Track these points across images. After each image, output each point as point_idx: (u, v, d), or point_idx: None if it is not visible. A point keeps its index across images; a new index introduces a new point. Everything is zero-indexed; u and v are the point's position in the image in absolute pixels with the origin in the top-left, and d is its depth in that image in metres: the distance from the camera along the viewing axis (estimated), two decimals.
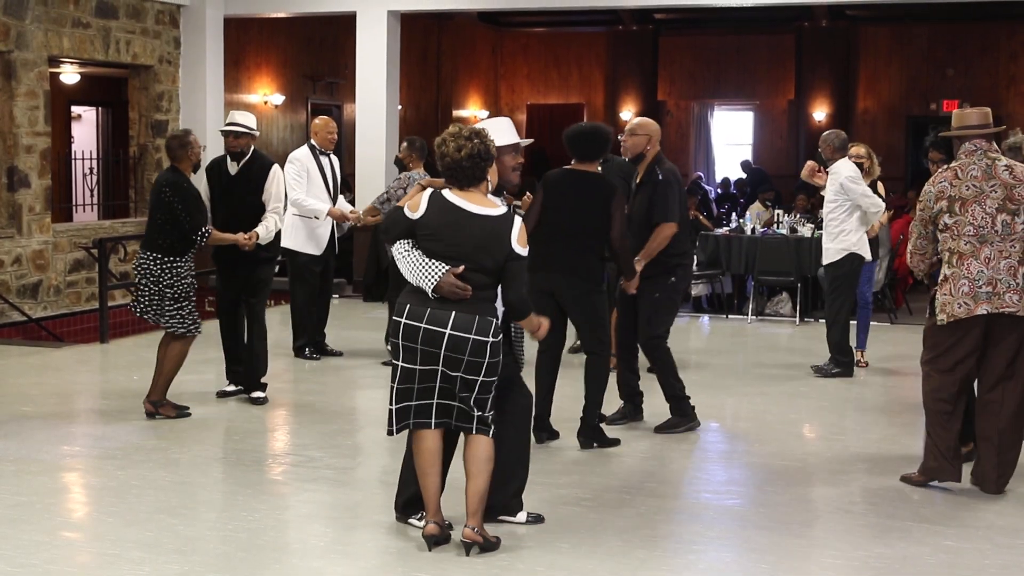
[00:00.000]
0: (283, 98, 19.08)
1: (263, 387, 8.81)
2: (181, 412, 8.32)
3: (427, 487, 5.58)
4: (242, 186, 8.73)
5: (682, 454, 7.64)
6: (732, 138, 26.88)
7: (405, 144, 10.68)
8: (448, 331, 5.35)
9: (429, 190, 5.57)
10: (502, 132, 5.92)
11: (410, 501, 5.90)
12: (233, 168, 8.76)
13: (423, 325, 5.39)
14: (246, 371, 8.86)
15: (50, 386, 9.53)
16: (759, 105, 25.93)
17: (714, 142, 26.82)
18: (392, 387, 5.55)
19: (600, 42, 25.74)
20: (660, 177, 7.88)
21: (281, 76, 19.17)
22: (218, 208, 8.76)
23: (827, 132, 10.36)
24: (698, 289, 14.62)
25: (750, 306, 13.88)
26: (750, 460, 7.60)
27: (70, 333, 13.43)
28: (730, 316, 13.95)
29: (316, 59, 19.96)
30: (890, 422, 8.58)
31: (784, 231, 13.92)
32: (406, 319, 5.43)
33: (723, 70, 25.21)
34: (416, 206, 5.49)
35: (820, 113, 24.76)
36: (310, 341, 10.58)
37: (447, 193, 5.49)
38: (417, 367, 5.45)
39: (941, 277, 6.67)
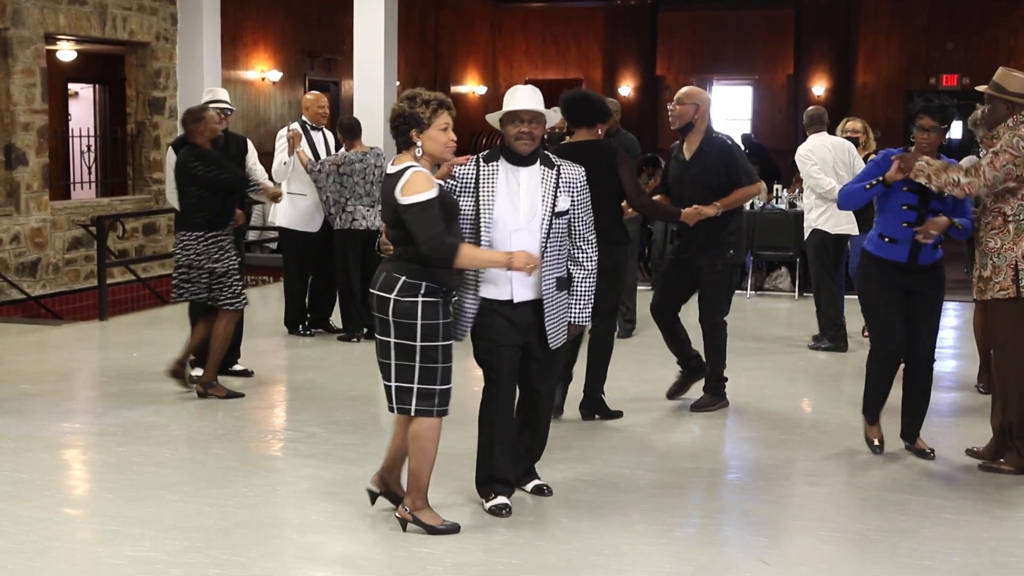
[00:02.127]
0: (281, 75, 19.04)
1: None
2: (231, 394, 8.26)
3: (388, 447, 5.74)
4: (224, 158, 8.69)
5: (681, 428, 7.65)
6: (731, 113, 26.84)
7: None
8: (374, 291, 5.43)
9: None
10: (510, 100, 5.88)
11: (483, 479, 5.92)
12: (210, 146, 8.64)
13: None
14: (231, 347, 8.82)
15: (49, 364, 9.54)
16: (758, 80, 25.89)
17: (713, 117, 26.77)
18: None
19: (598, 17, 25.68)
20: (729, 142, 7.94)
21: (279, 53, 19.13)
22: None
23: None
24: None
25: (749, 281, 13.86)
26: (749, 434, 7.61)
27: (69, 311, 13.44)
28: None
29: (314, 35, 19.91)
30: (890, 397, 8.57)
31: (783, 206, 13.90)
32: None
33: (722, 45, 25.17)
34: None
35: (819, 88, 24.72)
36: (303, 318, 10.58)
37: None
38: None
39: None
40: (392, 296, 5.32)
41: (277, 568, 5.15)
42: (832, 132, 10.54)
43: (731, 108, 26.94)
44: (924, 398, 6.99)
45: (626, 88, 25.07)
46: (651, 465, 6.74)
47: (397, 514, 5.56)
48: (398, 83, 15.77)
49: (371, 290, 5.42)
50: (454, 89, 24.37)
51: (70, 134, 17.24)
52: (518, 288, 5.67)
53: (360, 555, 5.36)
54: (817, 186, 10.05)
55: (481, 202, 5.71)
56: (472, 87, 25.02)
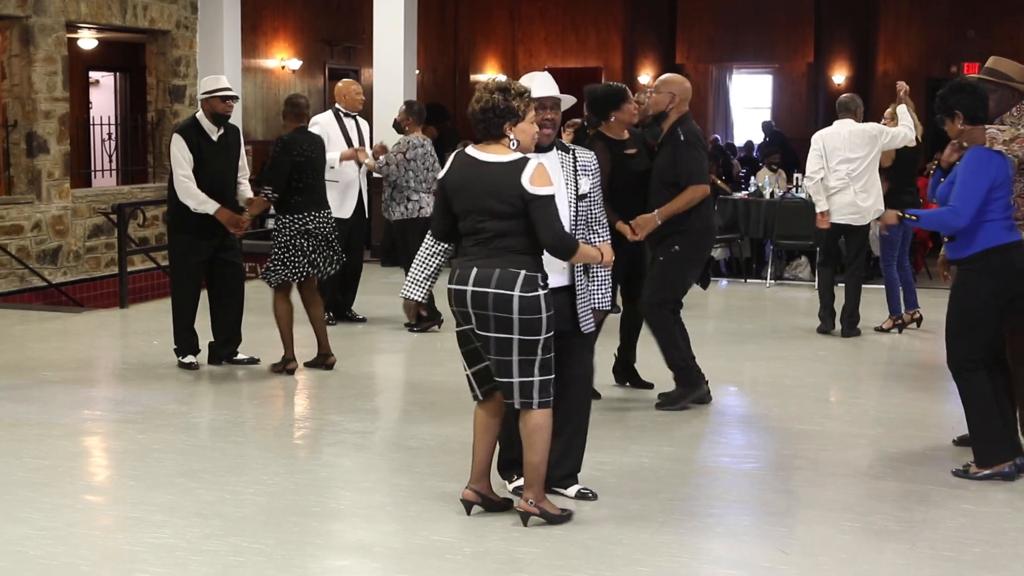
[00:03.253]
0: (300, 63, 19.05)
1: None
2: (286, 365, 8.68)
3: (473, 453, 5.59)
4: (224, 153, 8.70)
5: (700, 418, 7.64)
6: (751, 102, 26.76)
7: (403, 107, 10.66)
8: (469, 288, 5.34)
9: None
10: (530, 87, 5.83)
11: (506, 464, 5.94)
12: (214, 134, 8.65)
13: (451, 286, 5.41)
14: (227, 338, 8.90)
15: (71, 351, 9.58)
16: (778, 68, 25.80)
17: (733, 106, 26.70)
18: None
19: (618, 5, 25.60)
20: (681, 138, 7.57)
21: (298, 41, 19.13)
22: (200, 176, 8.54)
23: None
24: (717, 253, 14.58)
25: (768, 270, 13.85)
26: (768, 424, 7.60)
27: (90, 298, 13.49)
28: (748, 280, 13.93)
29: (333, 23, 19.91)
30: (908, 386, 8.57)
31: (803, 195, 13.85)
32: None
33: (741, 33, 25.08)
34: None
35: (839, 76, 24.62)
36: (331, 306, 10.55)
37: (468, 148, 5.49)
38: (455, 330, 5.49)
39: None
40: (516, 293, 5.27)
41: (296, 555, 5.16)
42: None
43: (751, 97, 26.85)
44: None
45: (645, 76, 24.98)
46: (669, 455, 6.73)
47: (519, 508, 5.49)
48: (418, 71, 15.78)
49: (480, 289, 5.29)
50: (473, 77, 24.34)
51: (91, 122, 17.27)
52: (553, 275, 5.60)
53: (378, 543, 5.37)
54: (807, 171, 10.45)
55: None
56: (491, 75, 24.99)
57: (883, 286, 10.72)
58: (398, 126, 10.65)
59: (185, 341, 8.74)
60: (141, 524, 5.49)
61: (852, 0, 24.36)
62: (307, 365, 8.78)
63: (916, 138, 10.44)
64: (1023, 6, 22.76)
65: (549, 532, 5.42)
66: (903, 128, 10.28)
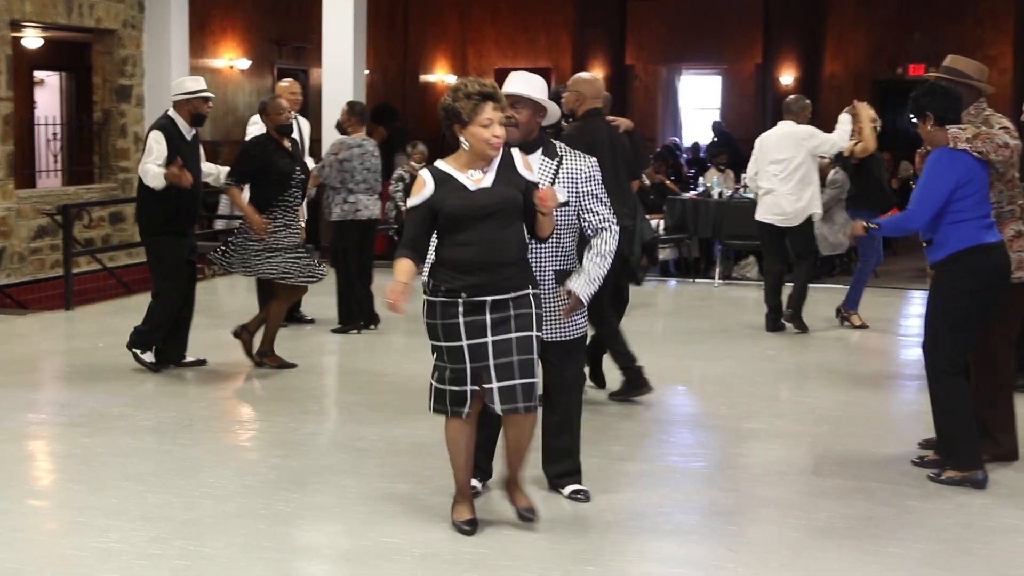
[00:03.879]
0: (249, 63, 18.94)
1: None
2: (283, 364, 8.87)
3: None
4: (195, 152, 8.68)
5: (649, 417, 7.67)
6: (700, 102, 26.89)
7: (345, 108, 10.64)
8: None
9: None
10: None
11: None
12: (189, 135, 8.62)
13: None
14: (180, 341, 8.85)
15: (15, 353, 9.48)
16: (727, 69, 25.94)
17: (682, 106, 26.81)
18: None
19: (568, 6, 25.64)
20: (565, 135, 7.37)
21: (247, 41, 19.02)
22: None
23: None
24: (665, 253, 14.66)
25: (717, 270, 13.93)
26: (716, 423, 7.64)
27: (35, 300, 13.33)
28: (697, 280, 14.01)
29: (282, 23, 19.81)
30: (855, 384, 8.64)
31: (751, 195, 13.92)
32: None
33: (691, 34, 25.20)
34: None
35: (787, 77, 24.79)
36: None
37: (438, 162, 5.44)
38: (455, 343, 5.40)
39: (1014, 233, 6.51)
40: (538, 290, 5.37)
41: (244, 559, 5.13)
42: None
43: (700, 97, 26.98)
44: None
45: (587, 74, 25.01)
46: (617, 454, 6.75)
47: (521, 506, 5.52)
48: (367, 72, 15.73)
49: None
50: (423, 78, 24.32)
51: (36, 122, 17.11)
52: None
53: (327, 545, 5.36)
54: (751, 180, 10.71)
55: None
56: (441, 76, 24.96)
57: (832, 286, 10.82)
58: (340, 127, 10.63)
59: (154, 340, 8.68)
60: (86, 528, 5.44)
61: (800, 2, 24.53)
62: (238, 336, 8.95)
63: (866, 148, 10.47)
64: (968, 8, 23.04)
65: (498, 532, 5.42)
66: (834, 136, 10.36)
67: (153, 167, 8.37)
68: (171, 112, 8.59)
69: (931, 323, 6.28)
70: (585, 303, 5.65)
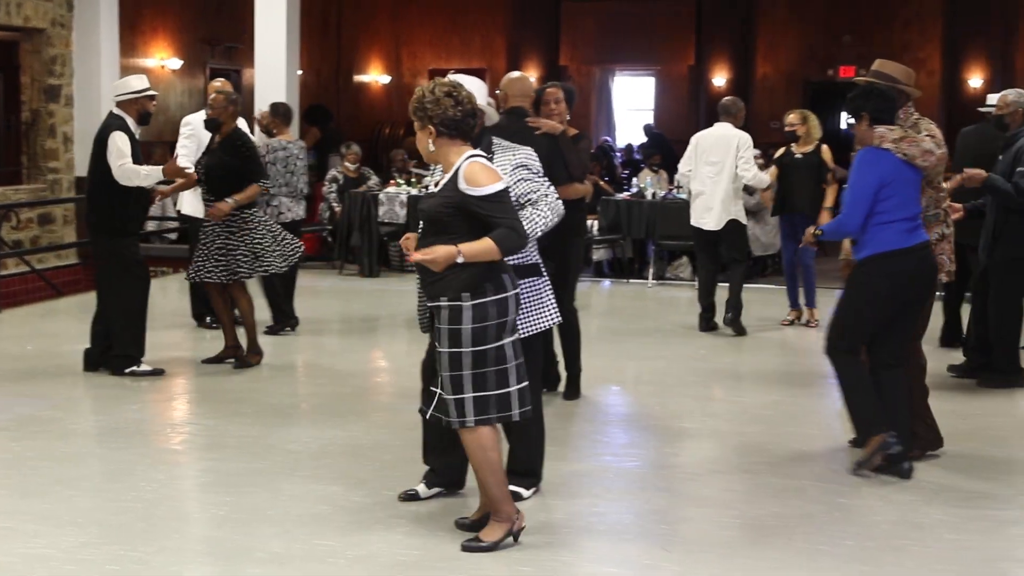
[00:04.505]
0: (180, 63, 18.77)
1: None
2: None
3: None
4: (138, 150, 8.59)
5: (583, 417, 7.69)
6: (633, 103, 27.01)
7: (268, 109, 10.58)
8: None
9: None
10: None
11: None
12: (137, 133, 8.56)
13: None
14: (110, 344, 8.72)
15: None
16: (660, 71, 26.08)
17: (615, 107, 26.92)
18: None
19: (501, 7, 25.65)
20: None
21: (178, 40, 18.85)
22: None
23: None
24: (599, 254, 14.72)
25: (650, 270, 14.00)
26: (650, 422, 7.68)
27: None
28: (631, 280, 14.07)
29: (214, 23, 19.65)
30: (788, 383, 8.71)
31: (684, 196, 14.01)
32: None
33: (624, 35, 25.29)
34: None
35: (720, 79, 24.96)
36: (210, 311, 10.41)
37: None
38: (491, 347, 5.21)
39: (939, 236, 6.60)
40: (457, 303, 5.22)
41: (176, 563, 5.09)
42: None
43: (634, 99, 27.10)
44: None
45: (516, 73, 25.03)
46: (551, 454, 6.72)
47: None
48: (300, 72, 15.65)
49: None
50: (357, 78, 24.22)
51: None
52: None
53: (259, 548, 5.31)
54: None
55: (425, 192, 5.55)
56: (375, 76, 24.88)
57: (765, 286, 10.92)
58: (267, 129, 10.56)
59: (140, 348, 8.57)
60: (13, 534, 5.36)
61: (732, 4, 24.72)
62: (206, 361, 8.90)
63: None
64: (896, 12, 23.33)
65: (432, 534, 5.41)
66: (761, 173, 10.55)
67: (141, 167, 8.36)
68: (117, 111, 8.52)
69: (838, 308, 6.51)
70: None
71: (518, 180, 5.63)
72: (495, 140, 5.80)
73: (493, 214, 5.05)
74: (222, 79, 10.93)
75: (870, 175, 6.21)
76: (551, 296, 5.86)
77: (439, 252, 5.04)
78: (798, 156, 10.67)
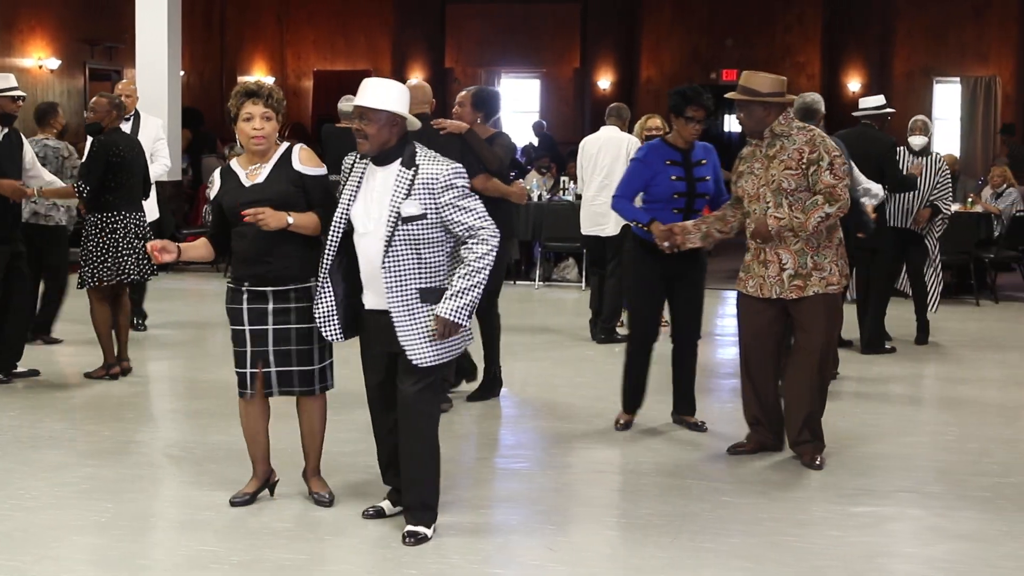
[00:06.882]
0: (59, 62, 18.42)
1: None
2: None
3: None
4: (7, 152, 8.33)
5: (471, 418, 7.71)
6: (520, 106, 27.09)
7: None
8: None
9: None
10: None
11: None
12: (0, 134, 8.32)
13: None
14: (10, 349, 8.52)
15: None
16: (545, 73, 26.19)
17: (501, 109, 26.98)
18: None
19: (387, 8, 25.58)
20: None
21: (57, 39, 18.50)
22: None
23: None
24: None
25: (537, 272, 14.07)
26: (538, 424, 7.71)
27: None
28: (518, 282, 14.11)
29: (94, 22, 19.31)
30: (671, 384, 8.79)
31: (570, 198, 14.11)
32: None
33: (510, 38, 25.37)
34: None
35: (605, 82, 25.15)
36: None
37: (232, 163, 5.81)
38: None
39: (837, 242, 6.67)
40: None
41: (56, 571, 5.00)
42: (630, 129, 10.78)
43: (520, 101, 27.18)
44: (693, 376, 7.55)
45: (414, 79, 25.02)
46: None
47: (315, 490, 5.90)
48: (183, 73, 15.45)
49: None
50: (241, 79, 23.94)
51: None
52: (368, 295, 5.41)
53: (142, 555, 5.24)
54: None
55: (341, 202, 5.39)
56: (260, 77, 24.66)
57: None
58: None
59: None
60: None
61: (616, 7, 24.92)
62: (88, 376, 8.60)
63: None
64: (777, 16, 23.73)
65: (319, 538, 5.39)
66: None
67: None
68: None
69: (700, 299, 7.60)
70: (455, 321, 5.17)
71: (446, 206, 5.23)
72: (421, 154, 5.35)
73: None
74: (124, 81, 10.79)
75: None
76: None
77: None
78: None
